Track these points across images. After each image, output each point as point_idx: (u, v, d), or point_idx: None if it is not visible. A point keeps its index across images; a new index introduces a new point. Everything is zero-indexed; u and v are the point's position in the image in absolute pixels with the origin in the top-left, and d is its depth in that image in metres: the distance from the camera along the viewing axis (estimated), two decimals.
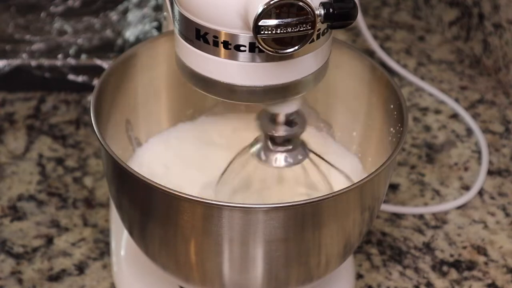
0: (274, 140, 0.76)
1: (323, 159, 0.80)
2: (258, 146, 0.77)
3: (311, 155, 0.78)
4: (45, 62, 1.06)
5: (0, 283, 0.86)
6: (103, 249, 0.90)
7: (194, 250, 0.72)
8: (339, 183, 0.81)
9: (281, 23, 0.63)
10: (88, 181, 0.97)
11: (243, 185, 0.81)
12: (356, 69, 0.82)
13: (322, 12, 0.65)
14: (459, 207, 0.96)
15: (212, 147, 0.87)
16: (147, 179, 0.69)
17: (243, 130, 0.88)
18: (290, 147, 0.76)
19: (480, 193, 0.98)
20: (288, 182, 0.82)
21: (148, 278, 0.84)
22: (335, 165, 0.85)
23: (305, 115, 0.76)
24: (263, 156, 0.76)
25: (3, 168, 0.98)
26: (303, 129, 0.76)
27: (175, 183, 0.83)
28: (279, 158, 0.76)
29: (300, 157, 0.76)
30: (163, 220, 0.71)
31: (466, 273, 0.89)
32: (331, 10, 0.65)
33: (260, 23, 0.63)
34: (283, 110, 0.74)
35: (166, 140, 0.87)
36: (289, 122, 0.75)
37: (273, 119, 0.75)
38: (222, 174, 0.80)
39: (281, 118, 0.75)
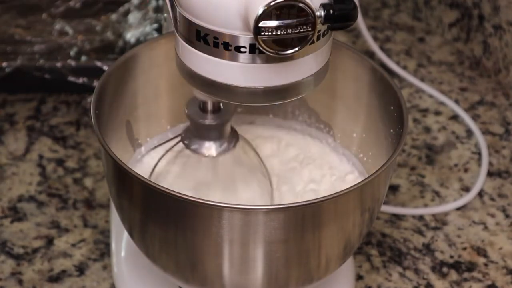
0: (203, 129, 0.77)
1: (253, 149, 0.81)
2: (189, 136, 0.78)
3: (242, 142, 0.79)
4: (46, 63, 1.07)
5: (0, 284, 0.86)
6: (103, 250, 0.90)
7: (194, 251, 0.72)
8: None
9: (281, 24, 0.64)
10: (88, 182, 0.97)
11: (182, 178, 0.82)
12: (356, 70, 0.82)
13: (323, 13, 0.65)
14: (459, 208, 0.96)
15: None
16: (147, 180, 0.69)
17: (243, 130, 0.88)
18: (220, 135, 0.77)
19: (480, 194, 0.98)
20: (224, 169, 0.82)
21: (148, 279, 0.84)
22: (333, 168, 0.86)
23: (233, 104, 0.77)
24: (195, 146, 0.77)
25: (4, 169, 0.98)
26: (230, 116, 0.77)
27: (175, 184, 0.84)
28: (211, 147, 0.77)
29: (231, 144, 0.77)
30: (163, 221, 0.71)
31: (466, 274, 0.89)
32: (331, 11, 0.65)
33: (260, 24, 0.63)
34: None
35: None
36: (216, 110, 0.76)
37: (202, 107, 0.76)
38: (153, 169, 0.81)
39: (209, 106, 0.76)
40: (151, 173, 0.81)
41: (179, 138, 0.79)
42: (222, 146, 0.78)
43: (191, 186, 0.81)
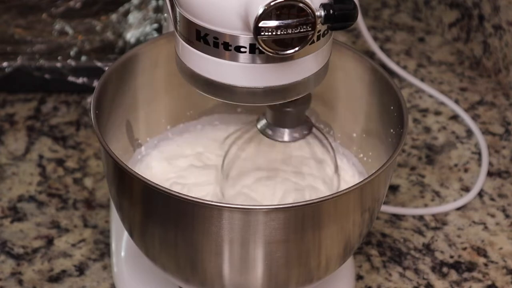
0: (279, 116, 0.76)
1: (326, 137, 0.81)
2: (263, 122, 0.77)
3: (315, 131, 0.79)
4: (46, 63, 1.07)
5: (0, 284, 0.86)
6: (103, 250, 0.90)
7: (194, 251, 0.72)
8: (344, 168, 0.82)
9: (281, 24, 0.64)
10: (88, 182, 0.97)
11: (250, 166, 0.82)
12: (356, 70, 0.82)
13: (323, 13, 0.65)
14: (459, 209, 0.96)
15: (212, 148, 0.87)
16: (147, 180, 0.69)
17: (243, 130, 0.88)
18: (295, 122, 0.76)
19: (480, 194, 0.98)
20: (296, 158, 0.82)
21: (148, 279, 0.84)
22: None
23: (310, 94, 0.77)
24: (268, 131, 0.77)
25: (4, 169, 0.98)
26: (307, 105, 0.76)
27: (175, 183, 0.84)
28: (284, 133, 0.76)
29: (305, 132, 0.77)
30: (163, 221, 0.71)
31: (466, 274, 0.89)
32: (331, 11, 0.65)
33: (260, 24, 0.63)
34: None
35: (166, 141, 0.87)
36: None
37: None
38: (226, 155, 0.81)
39: None
40: (224, 157, 0.81)
41: (252, 125, 0.79)
42: (296, 133, 0.77)
43: (262, 167, 0.81)
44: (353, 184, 0.73)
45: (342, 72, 0.83)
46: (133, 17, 1.13)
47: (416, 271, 0.89)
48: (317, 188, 0.82)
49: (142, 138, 0.86)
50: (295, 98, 0.72)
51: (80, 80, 1.07)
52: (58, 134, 1.03)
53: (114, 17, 1.13)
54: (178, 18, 0.69)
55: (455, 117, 1.07)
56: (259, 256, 0.71)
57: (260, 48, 0.65)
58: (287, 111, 0.75)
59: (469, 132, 1.05)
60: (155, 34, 1.09)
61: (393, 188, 0.98)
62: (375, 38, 1.18)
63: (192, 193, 0.81)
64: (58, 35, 1.11)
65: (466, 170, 1.00)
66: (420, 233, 0.93)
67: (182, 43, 0.70)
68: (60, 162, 0.99)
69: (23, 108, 1.06)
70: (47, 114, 1.05)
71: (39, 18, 1.14)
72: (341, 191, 0.69)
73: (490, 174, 1.00)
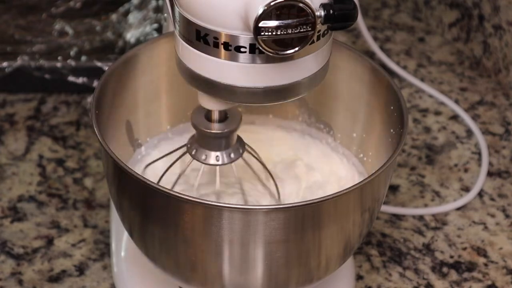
0: (209, 138, 0.76)
1: (258, 156, 0.80)
2: (194, 145, 0.77)
3: (246, 154, 0.79)
4: (46, 63, 1.07)
5: (0, 284, 0.86)
6: (103, 250, 0.90)
7: (194, 251, 0.72)
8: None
9: (281, 24, 0.64)
10: (88, 182, 0.97)
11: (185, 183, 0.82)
12: (356, 70, 0.82)
13: (323, 13, 0.65)
14: (459, 209, 0.96)
15: None
16: (147, 180, 0.69)
17: (243, 131, 0.88)
18: (224, 144, 0.76)
19: (480, 194, 0.98)
20: (224, 179, 0.82)
21: (148, 279, 0.84)
22: (333, 168, 0.86)
23: (240, 113, 0.76)
24: (200, 156, 0.77)
25: (4, 169, 0.98)
26: (236, 127, 0.76)
27: (175, 184, 0.84)
28: (216, 156, 0.76)
29: (236, 154, 0.77)
30: (163, 221, 0.71)
31: (466, 274, 0.89)
32: (331, 11, 0.65)
33: (260, 24, 0.63)
34: (216, 106, 0.74)
35: (166, 141, 0.87)
36: (222, 119, 0.76)
37: (207, 116, 0.76)
38: (162, 175, 0.80)
39: (215, 115, 0.75)
40: (158, 182, 0.80)
41: (184, 149, 0.79)
42: (230, 155, 0.77)
43: (198, 194, 0.81)
44: (353, 184, 0.73)
45: (342, 72, 0.83)
46: (133, 17, 1.13)
47: (416, 271, 0.89)
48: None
49: (142, 138, 0.86)
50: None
51: (80, 80, 1.07)
52: (58, 134, 1.03)
53: (114, 17, 1.13)
54: (178, 18, 0.69)
55: (455, 117, 1.07)
56: (259, 256, 0.71)
57: (260, 48, 0.65)
58: (216, 134, 0.75)
59: (469, 132, 1.05)
60: (155, 34, 1.09)
61: (393, 188, 0.98)
62: (375, 38, 1.18)
63: (192, 193, 0.81)
64: (58, 35, 1.11)
65: (466, 170, 1.00)
66: (420, 233, 0.93)
67: (182, 43, 0.70)
68: (60, 162, 0.99)
69: (23, 108, 1.06)
70: (47, 114, 1.05)
71: (39, 18, 1.14)
72: (341, 191, 0.69)
73: (490, 174, 1.00)
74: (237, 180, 0.82)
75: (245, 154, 0.79)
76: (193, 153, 0.77)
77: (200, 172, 0.78)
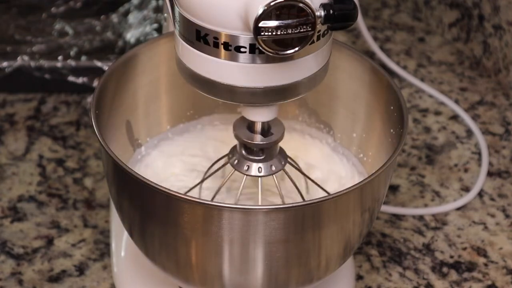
0: (250, 149, 0.76)
1: (301, 171, 0.80)
2: (236, 156, 0.76)
3: (288, 166, 0.78)
4: (46, 63, 1.07)
5: (0, 284, 0.86)
6: (103, 250, 0.90)
7: (194, 251, 0.72)
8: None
9: (281, 24, 0.64)
10: (88, 182, 0.97)
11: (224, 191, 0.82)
12: (356, 70, 0.82)
13: (323, 13, 0.65)
14: (459, 209, 0.96)
15: (212, 148, 0.87)
16: (147, 180, 0.69)
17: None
18: (265, 157, 0.75)
19: (480, 194, 0.98)
20: (264, 191, 0.82)
21: (148, 279, 0.84)
22: (333, 168, 0.86)
23: (282, 124, 0.76)
24: (239, 165, 0.76)
25: (4, 169, 0.98)
26: (279, 139, 0.75)
27: (176, 184, 0.84)
28: (254, 168, 0.76)
29: (274, 168, 0.76)
30: (163, 221, 0.71)
31: (466, 274, 0.89)
32: (331, 11, 0.65)
33: (260, 24, 0.63)
34: (260, 118, 0.73)
35: (166, 141, 0.87)
36: (265, 131, 0.75)
37: (250, 127, 0.75)
38: (202, 181, 0.80)
39: (258, 126, 0.74)
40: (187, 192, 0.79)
41: (225, 159, 0.78)
42: (271, 167, 0.76)
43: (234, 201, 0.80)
44: (353, 184, 0.73)
45: (342, 72, 0.83)
46: (133, 17, 1.13)
47: (416, 271, 0.89)
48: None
49: (142, 138, 0.86)
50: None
51: (80, 80, 1.07)
52: (58, 134, 1.03)
53: (114, 17, 1.13)
54: (178, 18, 0.69)
55: (455, 117, 1.07)
56: (259, 256, 0.71)
57: (260, 48, 0.65)
58: (258, 145, 0.75)
59: (469, 132, 1.05)
60: (155, 34, 1.09)
61: (393, 188, 0.98)
62: (375, 38, 1.18)
63: (192, 193, 0.81)
64: (58, 35, 1.11)
65: (466, 170, 1.00)
66: (420, 233, 0.93)
67: (182, 43, 0.70)
68: (60, 162, 0.99)
69: (23, 108, 1.06)
70: (47, 114, 1.05)
71: (39, 18, 1.14)
72: (341, 191, 0.69)
73: (490, 174, 1.00)
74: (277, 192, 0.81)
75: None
76: (234, 163, 0.76)
77: (243, 183, 0.76)
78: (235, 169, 0.76)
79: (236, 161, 0.76)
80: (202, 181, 0.80)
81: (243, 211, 0.69)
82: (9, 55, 1.07)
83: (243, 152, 0.76)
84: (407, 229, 0.93)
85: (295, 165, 0.80)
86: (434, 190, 0.98)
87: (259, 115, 0.73)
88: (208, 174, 0.80)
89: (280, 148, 0.77)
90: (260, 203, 0.76)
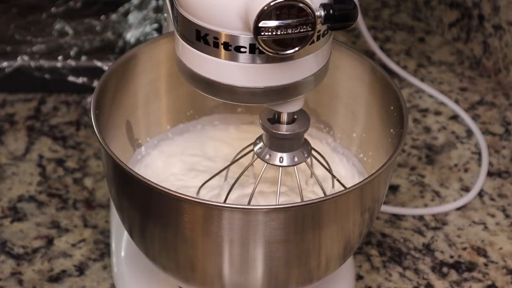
0: (275, 139, 0.76)
1: (324, 161, 0.80)
2: (260, 144, 0.76)
3: (313, 156, 0.78)
4: (46, 63, 1.07)
5: (0, 284, 0.86)
6: (103, 250, 0.90)
7: (194, 251, 0.72)
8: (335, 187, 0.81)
9: (281, 24, 0.64)
10: (88, 182, 0.97)
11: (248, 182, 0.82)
12: (356, 70, 0.82)
13: (323, 13, 0.65)
14: (459, 209, 0.96)
15: (212, 148, 0.87)
16: (148, 180, 0.69)
17: (243, 131, 0.88)
18: (291, 146, 0.76)
19: (480, 194, 0.98)
20: (289, 181, 0.82)
21: (148, 279, 0.84)
22: (333, 168, 0.85)
23: (308, 115, 0.76)
24: (264, 155, 0.76)
25: (4, 169, 0.98)
26: (305, 129, 0.75)
27: (175, 184, 0.84)
28: (280, 157, 0.76)
29: (299, 158, 0.76)
30: (163, 221, 0.71)
31: (466, 274, 0.89)
32: (331, 11, 0.65)
33: (260, 24, 0.63)
34: (286, 109, 0.73)
35: (166, 141, 0.87)
36: (291, 121, 0.75)
37: (275, 118, 0.75)
38: (226, 172, 0.80)
39: (284, 117, 0.74)
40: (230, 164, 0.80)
41: (250, 147, 0.78)
42: (295, 158, 0.76)
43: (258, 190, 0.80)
44: (353, 184, 0.73)
45: (342, 72, 0.83)
46: (133, 17, 1.13)
47: (416, 271, 0.89)
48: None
49: (142, 138, 0.86)
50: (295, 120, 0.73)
51: (80, 80, 1.07)
52: (58, 134, 1.03)
53: (114, 17, 1.13)
54: (178, 18, 0.69)
55: (455, 117, 1.07)
56: (259, 256, 0.71)
57: (260, 48, 0.65)
58: (286, 136, 0.75)
59: (469, 132, 1.05)
60: (155, 34, 1.09)
61: (393, 188, 0.98)
62: (375, 38, 1.18)
63: (192, 193, 0.81)
64: (58, 35, 1.11)
65: (466, 170, 1.00)
66: (420, 233, 0.93)
67: (182, 43, 0.70)
68: (60, 162, 0.99)
69: (23, 108, 1.06)
70: (47, 114, 1.05)
71: (39, 18, 1.14)
72: (341, 191, 0.69)
73: (490, 174, 1.00)
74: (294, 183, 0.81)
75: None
76: (258, 151, 0.76)
77: (262, 170, 0.76)
78: (258, 157, 0.76)
79: (260, 150, 0.76)
80: (228, 165, 0.80)
81: (243, 211, 0.69)
82: (9, 55, 1.07)
83: (268, 141, 0.76)
84: (407, 229, 0.93)
85: (320, 159, 0.80)
86: (434, 190, 0.98)
87: (286, 106, 0.73)
88: (233, 160, 0.80)
89: (305, 140, 0.77)
90: (278, 193, 0.76)
